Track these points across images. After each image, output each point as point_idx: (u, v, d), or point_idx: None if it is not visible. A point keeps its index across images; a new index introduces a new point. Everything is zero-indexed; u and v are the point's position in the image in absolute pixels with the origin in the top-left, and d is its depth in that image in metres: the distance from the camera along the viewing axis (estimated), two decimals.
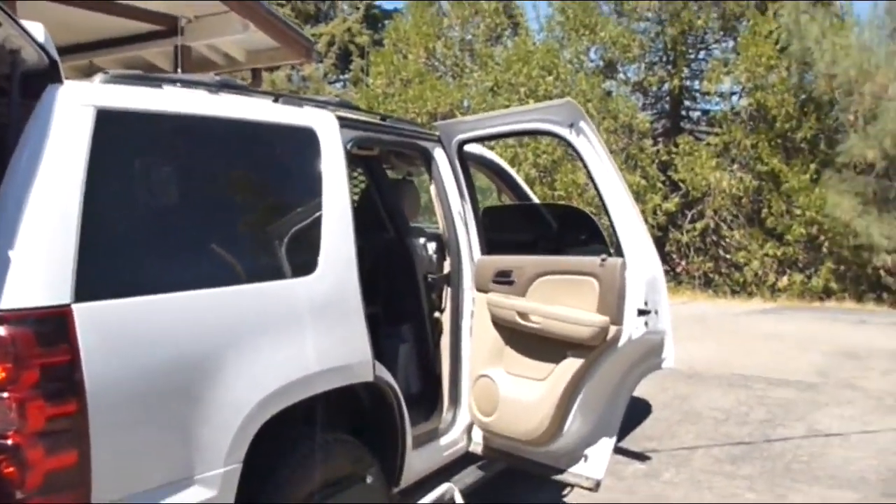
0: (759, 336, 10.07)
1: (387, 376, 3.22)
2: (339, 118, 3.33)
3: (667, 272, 18.49)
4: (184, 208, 2.59)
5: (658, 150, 17.22)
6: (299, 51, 7.30)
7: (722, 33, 17.34)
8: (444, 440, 3.84)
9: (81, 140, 2.26)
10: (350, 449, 3.04)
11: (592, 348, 3.33)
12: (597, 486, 3.49)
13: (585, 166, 3.43)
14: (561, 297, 3.48)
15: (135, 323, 2.25)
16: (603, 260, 3.33)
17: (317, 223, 2.99)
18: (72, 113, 2.28)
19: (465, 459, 4.02)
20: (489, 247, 4.04)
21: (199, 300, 2.43)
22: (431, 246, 4.11)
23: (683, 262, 18.21)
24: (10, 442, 1.98)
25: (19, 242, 2.06)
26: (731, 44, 17.18)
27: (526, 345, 3.63)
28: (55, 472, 2.04)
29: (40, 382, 2.02)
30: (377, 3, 23.91)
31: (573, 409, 3.45)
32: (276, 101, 3.21)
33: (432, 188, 4.03)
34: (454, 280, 3.97)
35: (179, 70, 6.32)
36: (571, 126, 3.37)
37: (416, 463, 3.57)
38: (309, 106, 3.32)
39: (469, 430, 3.98)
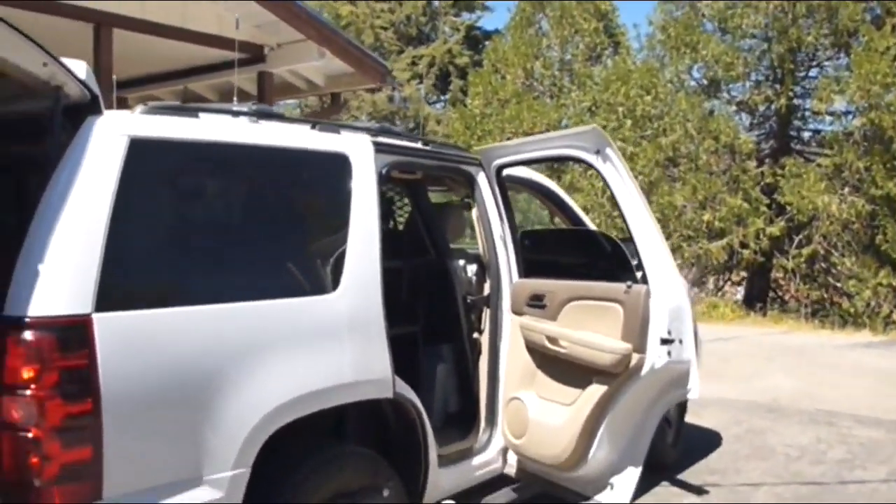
0: (857, 370, 9.56)
1: (409, 393, 3.33)
2: (376, 144, 3.48)
3: (773, 300, 17.85)
4: (208, 229, 2.80)
5: (762, 172, 16.64)
6: (374, 76, 7.58)
7: (834, 50, 16.61)
8: (476, 460, 3.90)
9: (113, 165, 2.49)
10: (367, 462, 3.16)
11: (616, 375, 3.33)
12: None
13: (611, 193, 3.45)
14: (589, 323, 3.51)
15: (151, 333, 2.46)
16: (628, 287, 3.33)
17: (342, 244, 3.14)
18: (106, 141, 2.52)
19: (500, 481, 4.08)
20: (534, 270, 4.09)
21: (215, 314, 2.62)
22: (472, 268, 4.21)
23: (791, 289, 17.50)
24: (30, 435, 2.21)
25: (49, 256, 2.30)
26: (844, 61, 16.42)
27: (556, 369, 3.67)
28: (70, 464, 2.26)
29: (60, 383, 2.24)
30: (478, 24, 24.23)
31: (598, 436, 3.46)
32: (313, 127, 3.40)
33: (474, 211, 4.13)
34: (493, 302, 4.05)
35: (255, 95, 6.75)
36: (598, 153, 3.41)
37: (444, 481, 3.65)
38: (348, 132, 3.50)
39: (505, 451, 4.03)
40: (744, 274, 18.28)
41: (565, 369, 3.59)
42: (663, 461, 5.44)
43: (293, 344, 2.85)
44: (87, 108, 2.59)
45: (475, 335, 4.17)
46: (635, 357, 3.26)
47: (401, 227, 4.67)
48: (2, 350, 2.24)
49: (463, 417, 4.17)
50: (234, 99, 3.64)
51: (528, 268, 4.09)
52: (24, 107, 2.65)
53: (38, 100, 2.55)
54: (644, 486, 5.13)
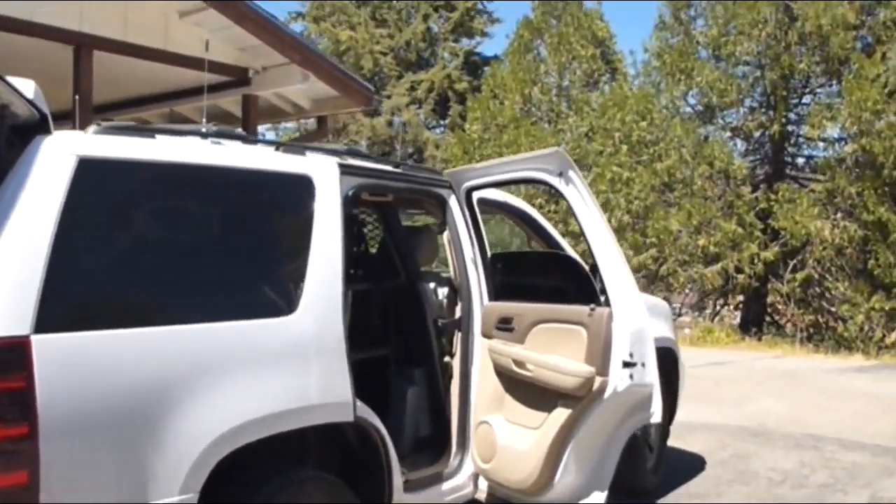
0: (846, 395, 9.49)
1: (371, 417, 3.28)
2: (342, 166, 3.46)
3: (769, 324, 17.76)
4: (158, 250, 2.77)
5: (757, 198, 16.65)
6: (360, 99, 7.60)
7: (826, 77, 16.68)
8: (446, 485, 3.84)
9: (59, 184, 2.47)
10: (326, 487, 3.10)
11: (580, 399, 3.29)
12: None
13: (574, 215, 3.42)
14: (555, 346, 3.47)
15: (93, 355, 2.42)
16: (592, 309, 3.30)
17: (302, 266, 3.11)
18: (53, 160, 2.50)
19: None
20: (506, 293, 4.05)
21: (161, 336, 2.59)
22: (443, 291, 4.17)
23: (788, 314, 17.43)
24: None
25: None
26: (836, 88, 16.48)
27: (523, 392, 3.63)
28: (5, 489, 2.21)
29: None
30: (477, 50, 24.39)
31: (564, 460, 3.40)
32: (277, 149, 3.39)
33: (445, 234, 4.11)
34: (464, 325, 4.01)
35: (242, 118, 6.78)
36: (560, 175, 3.39)
37: None
38: (313, 154, 3.48)
39: (476, 477, 3.97)
40: (740, 298, 18.24)
41: (532, 393, 3.54)
42: (643, 486, 5.37)
43: (245, 367, 2.81)
44: (36, 128, 2.58)
45: (446, 358, 4.12)
46: (598, 380, 3.21)
47: (372, 250, 4.64)
48: None
49: (434, 442, 4.11)
50: (204, 120, 3.62)
51: (499, 291, 4.05)
52: None
53: None
54: None
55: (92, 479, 2.39)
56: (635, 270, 16.29)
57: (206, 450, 2.62)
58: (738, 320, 18.27)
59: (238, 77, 7.08)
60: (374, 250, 4.61)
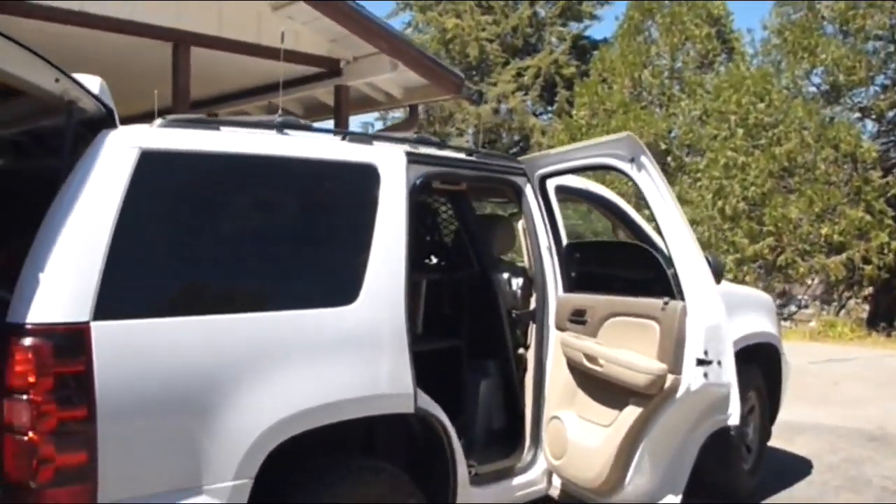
0: None
1: (433, 409, 3.24)
2: (409, 154, 3.43)
3: None
4: (219, 239, 2.82)
5: (888, 183, 15.54)
6: (449, 87, 7.55)
7: None
8: (518, 480, 3.76)
9: (121, 176, 2.55)
10: (386, 477, 3.09)
11: (651, 397, 3.13)
12: None
13: (647, 203, 3.25)
14: (628, 341, 3.32)
15: (150, 341, 2.49)
16: (665, 303, 3.13)
17: (363, 256, 3.10)
18: (117, 153, 2.59)
19: (545, 503, 3.92)
20: (582, 284, 3.92)
21: (215, 324, 2.63)
22: (517, 281, 4.08)
23: None
24: (26, 438, 2.28)
25: (51, 264, 2.37)
26: None
27: (595, 388, 3.50)
28: (65, 468, 2.31)
29: (55, 389, 2.30)
30: (585, 33, 23.87)
31: (635, 461, 3.26)
32: (343, 139, 3.40)
33: (520, 223, 4.02)
34: (539, 317, 3.91)
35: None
36: (632, 161, 3.22)
37: (478, 500, 3.53)
38: (381, 143, 3.47)
39: (550, 473, 3.87)
40: (870, 291, 17.11)
41: (604, 389, 3.41)
42: (739, 489, 5.13)
43: (301, 356, 2.82)
44: (102, 122, 2.67)
45: (520, 351, 4.04)
46: (670, 378, 3.05)
47: (445, 239, 4.59)
48: (5, 355, 2.32)
49: (507, 436, 4.05)
50: (280, 111, 3.66)
51: (576, 282, 3.92)
52: (49, 122, 2.76)
53: (58, 115, 2.65)
54: None
55: (147, 461, 2.46)
56: (750, 260, 15.57)
57: (260, 437, 2.65)
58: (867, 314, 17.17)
59: (330, 68, 7.20)
60: (448, 239, 4.57)
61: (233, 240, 2.87)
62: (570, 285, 3.86)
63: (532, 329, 3.96)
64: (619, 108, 18.68)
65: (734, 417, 3.15)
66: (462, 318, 4.21)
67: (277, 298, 2.87)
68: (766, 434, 5.55)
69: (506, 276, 4.09)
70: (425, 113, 23.15)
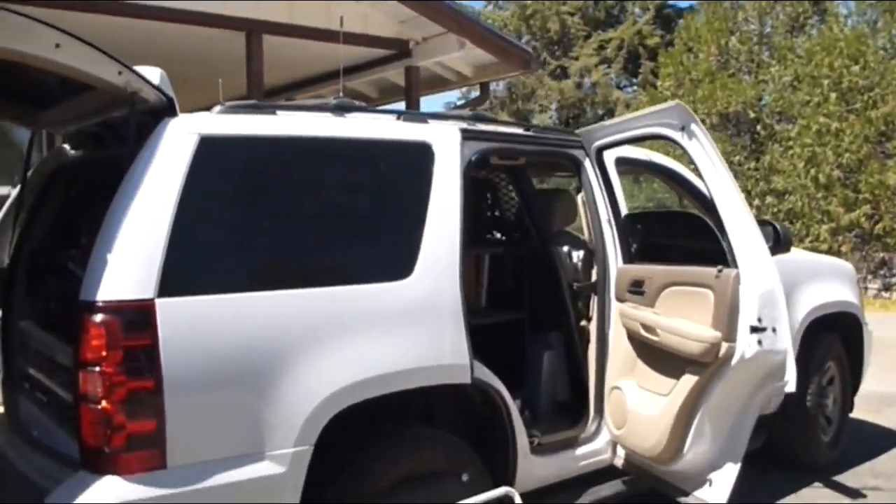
0: None
1: (490, 380, 3.30)
2: (464, 132, 3.48)
3: None
4: (277, 219, 2.95)
5: None
6: (518, 63, 7.52)
7: None
8: (581, 450, 3.79)
9: (182, 161, 2.70)
10: (444, 446, 3.18)
11: (707, 365, 3.11)
12: None
13: (698, 172, 3.20)
14: (684, 310, 3.30)
15: (212, 316, 2.64)
16: (719, 271, 3.10)
17: (418, 232, 3.18)
18: (177, 139, 2.74)
19: (612, 472, 3.93)
20: (643, 255, 3.90)
21: (275, 300, 2.77)
22: (578, 254, 4.09)
23: None
24: (100, 407, 2.47)
25: (118, 245, 2.54)
26: None
27: (654, 358, 3.49)
28: (136, 434, 2.49)
29: (125, 362, 2.48)
30: (669, 2, 23.19)
31: (693, 429, 3.25)
32: (398, 118, 3.48)
33: (580, 196, 4.02)
34: (600, 288, 3.91)
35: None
36: (683, 129, 3.18)
37: (541, 469, 3.60)
38: (436, 122, 3.54)
39: (615, 443, 3.89)
40: None
41: (662, 358, 3.40)
42: (817, 461, 5.03)
43: (358, 329, 2.93)
44: (164, 111, 2.83)
45: (583, 323, 4.06)
46: (724, 346, 3.02)
47: (507, 214, 4.63)
48: (79, 331, 2.52)
49: (571, 406, 4.08)
50: (340, 94, 3.77)
51: (638, 252, 3.91)
52: (119, 114, 2.94)
53: (124, 106, 2.83)
54: (790, 488, 4.78)
55: (212, 428, 2.62)
56: (846, 229, 14.93)
57: (318, 407, 2.77)
58: None
59: (400, 49, 7.29)
60: (509, 214, 4.61)
61: (290, 219, 2.99)
62: (630, 256, 3.84)
63: (594, 301, 3.97)
64: (706, 77, 18.12)
65: (791, 384, 3.09)
66: (524, 291, 4.25)
67: (334, 274, 2.98)
68: (847, 405, 5.39)
69: (566, 248, 4.10)
70: (507, 90, 23.12)
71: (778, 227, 4.24)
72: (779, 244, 4.27)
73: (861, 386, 5.57)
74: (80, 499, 2.42)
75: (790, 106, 16.63)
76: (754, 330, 2.99)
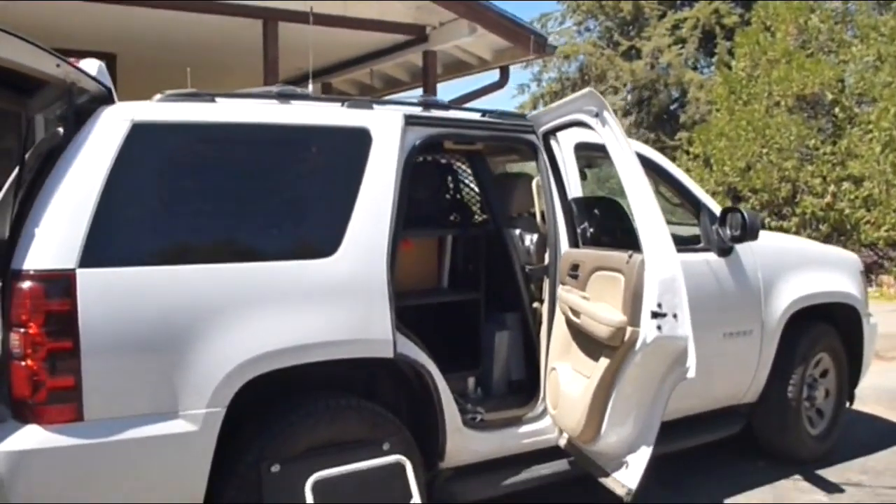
0: None
1: (416, 355, 3.47)
2: (408, 117, 3.64)
3: None
4: (203, 200, 3.18)
5: None
6: (532, 46, 7.51)
7: None
8: (526, 428, 3.90)
9: (112, 145, 2.97)
10: (365, 415, 3.36)
11: (615, 348, 3.19)
12: (628, 494, 3.31)
13: (610, 157, 3.26)
14: (605, 294, 3.38)
15: (130, 287, 2.90)
16: (630, 256, 3.16)
17: (345, 214, 3.37)
18: (109, 124, 3.02)
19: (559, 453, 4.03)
20: (592, 240, 3.96)
21: (189, 273, 3.00)
22: (531, 237, 4.18)
23: None
24: (24, 364, 2.78)
25: (46, 219, 2.84)
26: None
27: (583, 341, 3.58)
28: (56, 390, 2.78)
29: (46, 324, 2.77)
30: None
31: (608, 411, 3.33)
32: (342, 105, 3.67)
33: (534, 180, 4.12)
34: (551, 271, 4.00)
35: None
36: (597, 115, 3.24)
37: (477, 444, 3.74)
38: (380, 108, 3.71)
39: None
40: None
41: (588, 341, 3.48)
42: (801, 454, 4.97)
43: (274, 303, 3.14)
44: (103, 100, 3.11)
45: (535, 305, 4.16)
46: (629, 330, 3.09)
47: (466, 198, 4.75)
48: (9, 296, 2.83)
49: (524, 386, 4.21)
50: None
51: (589, 237, 3.98)
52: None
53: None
54: (766, 478, 4.76)
55: (128, 387, 2.89)
56: None
57: (231, 372, 3.01)
58: None
59: (417, 35, 7.44)
60: (469, 198, 4.73)
61: (215, 200, 3.21)
62: (576, 240, 3.92)
63: (546, 284, 4.07)
64: (782, 58, 17.44)
65: (691, 371, 3.12)
66: (480, 272, 4.38)
67: (254, 252, 3.20)
68: (844, 398, 5.28)
69: (518, 232, 4.20)
70: (579, 72, 22.87)
71: (745, 214, 4.22)
72: (746, 231, 4.24)
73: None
74: (4, 445, 2.74)
75: (871, 87, 15.85)
76: (655, 315, 3.04)
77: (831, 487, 4.70)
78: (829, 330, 5.16)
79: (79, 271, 2.82)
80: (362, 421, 3.37)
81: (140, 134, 3.04)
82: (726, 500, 4.42)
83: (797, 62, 17.05)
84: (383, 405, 3.52)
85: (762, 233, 4.46)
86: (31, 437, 2.76)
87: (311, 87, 4.01)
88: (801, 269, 4.93)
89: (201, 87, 3.47)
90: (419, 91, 8.43)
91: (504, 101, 34.86)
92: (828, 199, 16.26)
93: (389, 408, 3.53)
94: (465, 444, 3.69)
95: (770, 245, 4.84)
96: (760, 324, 4.57)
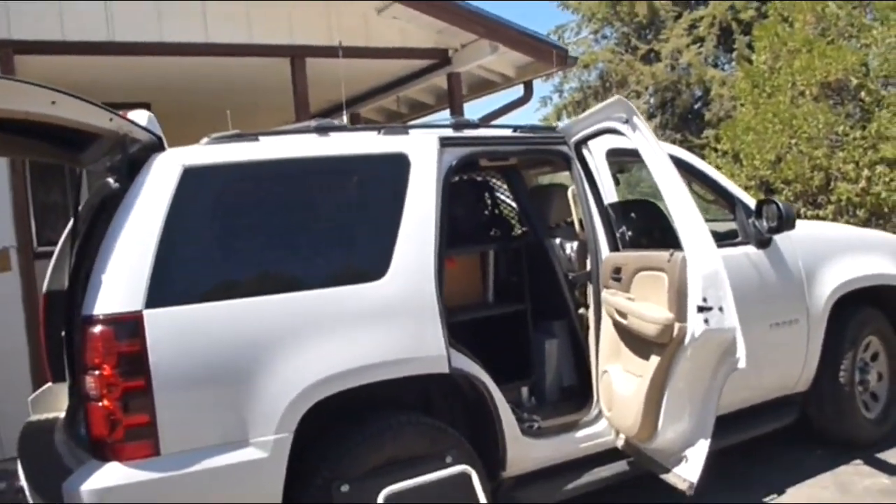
0: None
1: (470, 368, 3.56)
2: (443, 140, 3.76)
3: None
4: (259, 235, 3.33)
5: None
6: (553, 59, 7.61)
7: None
8: (583, 433, 3.96)
9: (167, 189, 3.13)
10: (425, 431, 3.46)
11: (665, 345, 3.25)
12: (690, 488, 3.35)
13: (644, 161, 3.34)
14: (650, 293, 3.44)
15: (195, 323, 3.05)
16: (671, 254, 3.23)
17: (391, 236, 3.48)
18: (162, 171, 3.18)
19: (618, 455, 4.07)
20: (632, 242, 4.03)
21: (254, 305, 3.14)
22: (571, 245, 4.26)
23: None
24: (101, 404, 2.92)
25: (111, 266, 2.99)
26: None
27: (632, 341, 3.64)
28: (132, 427, 2.92)
29: (119, 365, 2.92)
30: None
31: (663, 408, 3.39)
32: (379, 132, 3.80)
33: (570, 189, 4.21)
34: (594, 277, 4.08)
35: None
36: (627, 122, 3.32)
37: (537, 451, 3.81)
38: (417, 132, 3.84)
39: None
40: None
41: (638, 341, 3.55)
42: (858, 438, 4.95)
43: (332, 327, 3.26)
44: (154, 147, 3.27)
45: (581, 311, 4.23)
46: (677, 326, 3.15)
47: (505, 212, 4.85)
48: (83, 341, 2.99)
49: (575, 391, 4.27)
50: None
51: (629, 240, 4.05)
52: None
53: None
54: (827, 465, 4.75)
55: (200, 420, 3.02)
56: None
57: (296, 398, 3.12)
58: None
59: (441, 58, 7.58)
60: (508, 212, 4.82)
61: (269, 233, 3.36)
62: (616, 244, 3.99)
63: (590, 290, 4.14)
64: (803, 47, 17.34)
65: (741, 361, 3.17)
66: (524, 283, 4.46)
67: (310, 280, 3.32)
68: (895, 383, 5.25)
69: (558, 241, 4.28)
70: (599, 79, 22.89)
71: (780, 205, 4.26)
72: (782, 222, 4.28)
73: None
74: (88, 483, 2.88)
75: (895, 71, 15.67)
76: (701, 309, 3.10)
77: (893, 469, 4.67)
78: (875, 313, 5.15)
79: (145, 312, 2.97)
80: (423, 436, 3.46)
81: (191, 177, 3.19)
82: (788, 489, 4.42)
83: (818, 50, 16.88)
84: (441, 419, 3.61)
85: (799, 222, 4.49)
86: (113, 474, 2.90)
87: (345, 118, 4.15)
88: (841, 254, 4.94)
89: (233, 128, 3.63)
90: (445, 113, 8.58)
91: (528, 114, 34.92)
92: (862, 183, 16.01)
93: (447, 422, 3.62)
94: (524, 451, 3.76)
95: (808, 233, 4.86)
96: (806, 312, 4.59)
